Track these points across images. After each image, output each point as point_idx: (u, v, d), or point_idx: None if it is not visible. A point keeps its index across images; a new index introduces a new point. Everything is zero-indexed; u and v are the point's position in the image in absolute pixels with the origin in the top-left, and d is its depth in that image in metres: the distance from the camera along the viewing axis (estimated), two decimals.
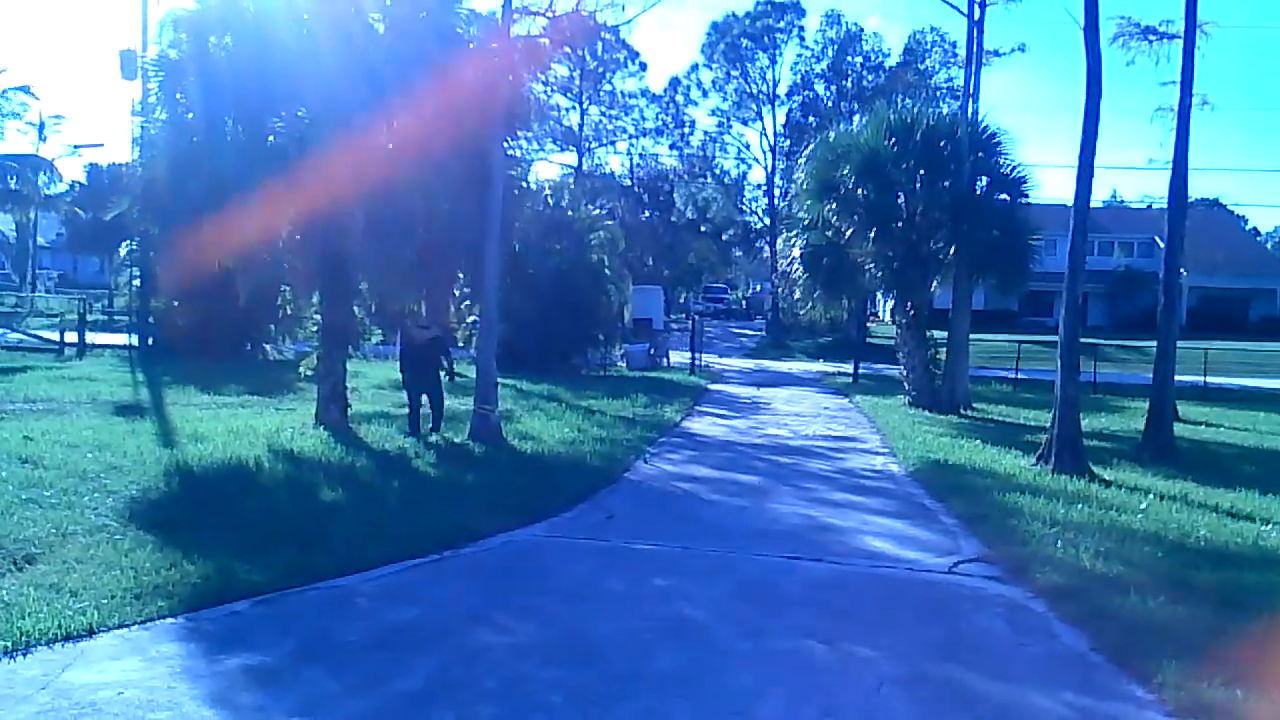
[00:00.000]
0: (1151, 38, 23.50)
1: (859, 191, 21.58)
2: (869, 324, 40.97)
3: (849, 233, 21.79)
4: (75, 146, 46.33)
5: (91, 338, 27.66)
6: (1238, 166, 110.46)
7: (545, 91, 49.07)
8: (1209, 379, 28.01)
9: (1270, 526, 10.04)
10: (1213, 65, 37.66)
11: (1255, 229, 75.77)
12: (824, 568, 8.34)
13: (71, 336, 27.15)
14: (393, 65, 13.51)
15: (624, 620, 6.72)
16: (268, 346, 26.37)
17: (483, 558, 8.36)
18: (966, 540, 9.50)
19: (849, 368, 31.54)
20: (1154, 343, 16.94)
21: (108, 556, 7.30)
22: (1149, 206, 58.42)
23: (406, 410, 14.51)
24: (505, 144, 15.23)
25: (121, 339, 27.82)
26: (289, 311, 16.96)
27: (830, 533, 9.70)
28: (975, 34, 24.17)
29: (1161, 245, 17.47)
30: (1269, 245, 75.90)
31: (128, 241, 29.15)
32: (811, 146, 24.36)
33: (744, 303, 76.11)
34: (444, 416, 14.56)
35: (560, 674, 5.70)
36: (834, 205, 22.03)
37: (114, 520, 8.38)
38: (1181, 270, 17.89)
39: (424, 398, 14.38)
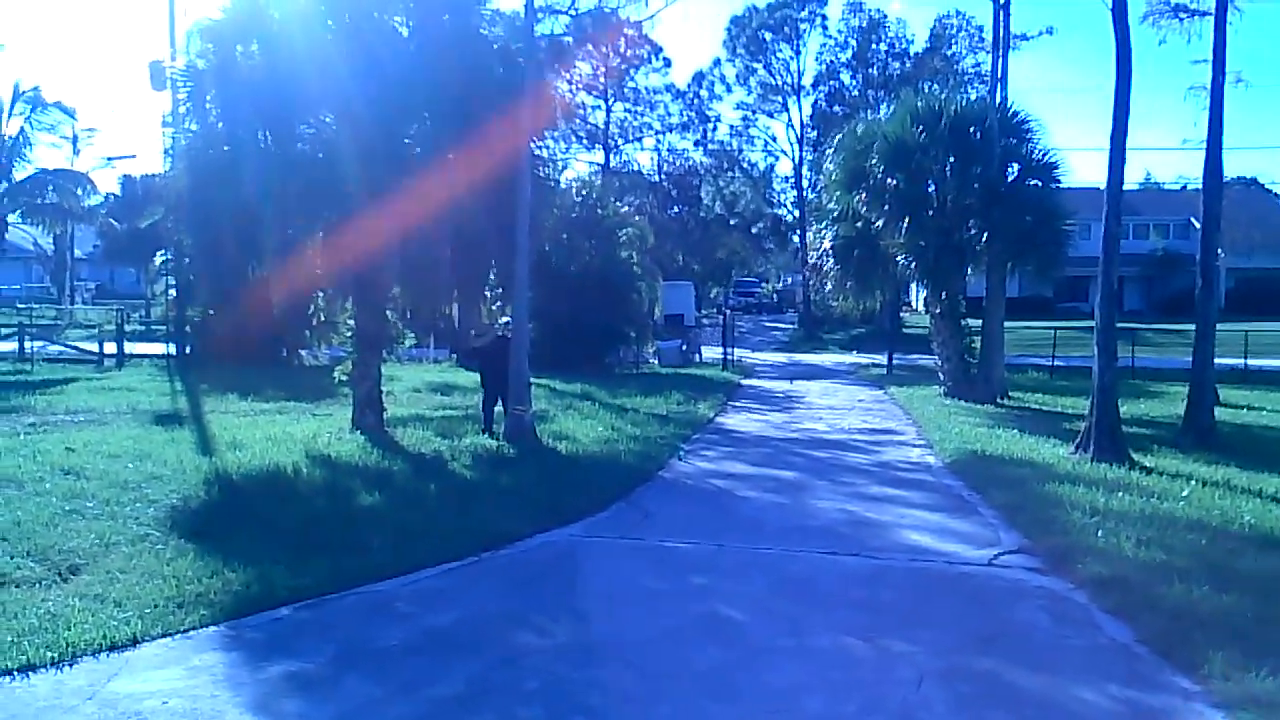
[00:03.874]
0: (1182, 15, 23.10)
1: (888, 181, 21.39)
2: (902, 314, 40.62)
3: (879, 223, 21.61)
4: (109, 158, 47.26)
5: (130, 348, 28.03)
6: (1274, 144, 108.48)
7: (570, 90, 49.19)
8: (1250, 361, 27.54)
9: None
10: (1247, 41, 36.95)
11: None
12: (862, 563, 8.30)
13: (110, 347, 27.53)
14: (418, 69, 13.57)
15: (662, 619, 6.72)
16: (303, 352, 26.61)
17: (520, 559, 8.38)
18: (1006, 532, 9.41)
19: (883, 359, 31.38)
20: (1193, 326, 16.69)
21: (150, 566, 7.40)
22: (1184, 188, 57.38)
23: (452, 413, 14.64)
24: (533, 144, 15.26)
25: (159, 349, 28.17)
26: (322, 318, 17.04)
27: (868, 527, 9.65)
28: (1002, 18, 23.93)
29: (1198, 226, 17.18)
30: None
31: (162, 251, 29.52)
32: (839, 137, 24.20)
33: (775, 296, 75.79)
34: (471, 418, 14.75)
35: (599, 674, 5.71)
36: (863, 196, 21.86)
37: (156, 529, 8.49)
38: (1219, 251, 17.62)
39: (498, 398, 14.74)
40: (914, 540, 9.14)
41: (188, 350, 27.03)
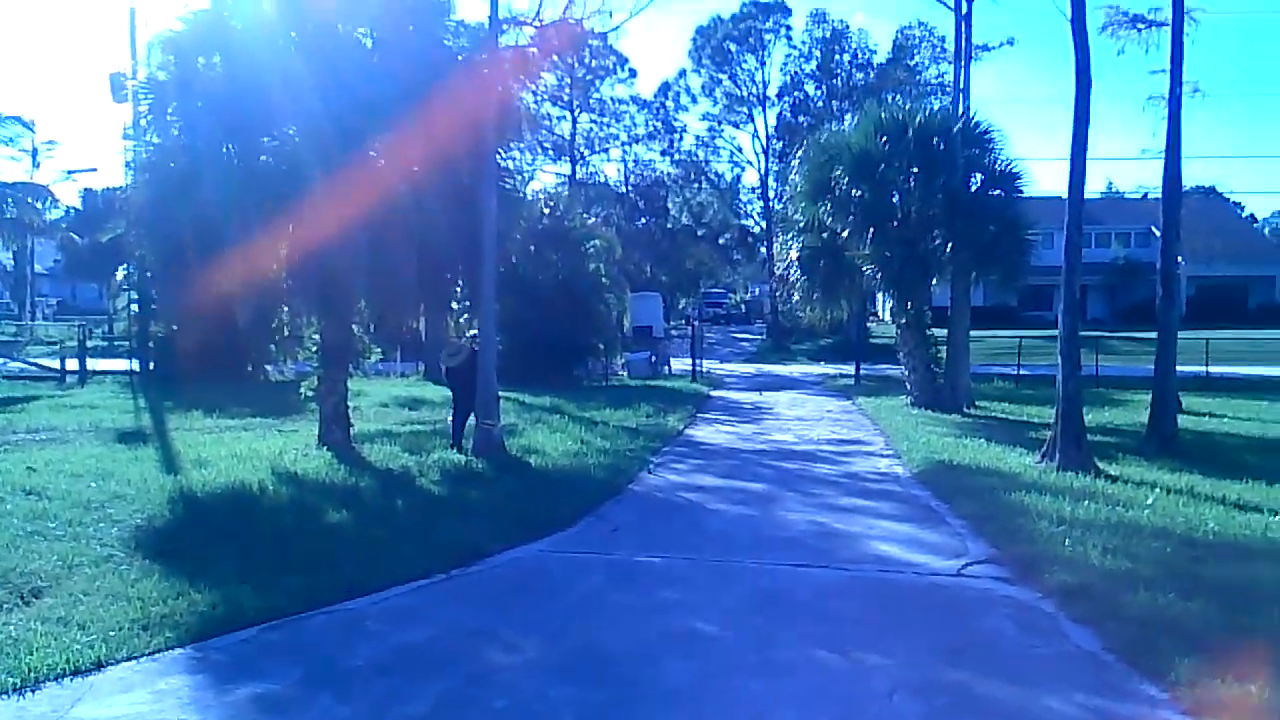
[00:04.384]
0: (1140, 26, 23.49)
1: (853, 192, 21.55)
2: (869, 324, 40.92)
3: (845, 234, 21.77)
4: (69, 172, 46.66)
5: (92, 364, 27.68)
6: (1232, 153, 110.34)
7: (535, 101, 49.17)
8: (1211, 368, 27.97)
9: (1279, 517, 10.01)
10: (1204, 52, 37.65)
11: (1252, 215, 75.68)
12: (832, 574, 8.33)
13: (72, 364, 27.18)
14: (383, 80, 13.50)
15: (633, 634, 6.70)
16: (268, 368, 26.37)
17: (489, 576, 8.33)
18: (974, 541, 9.47)
19: (850, 369, 31.57)
20: (1154, 334, 16.92)
21: (114, 587, 7.29)
22: (1144, 196, 58.30)
23: (420, 428, 14.57)
24: (498, 155, 15.23)
25: (122, 365, 27.81)
26: (288, 332, 16.91)
27: (838, 538, 9.68)
28: (964, 30, 24.23)
29: (1159, 235, 17.45)
30: (1266, 232, 75.74)
31: (124, 266, 29.17)
32: (804, 148, 24.39)
33: (743, 307, 76.08)
34: (439, 433, 14.69)
35: (571, 691, 5.68)
36: (829, 207, 22.00)
37: (120, 550, 8.37)
38: (1179, 259, 17.88)
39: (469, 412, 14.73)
40: (883, 551, 9.18)
41: (151, 366, 26.74)
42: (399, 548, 8.75)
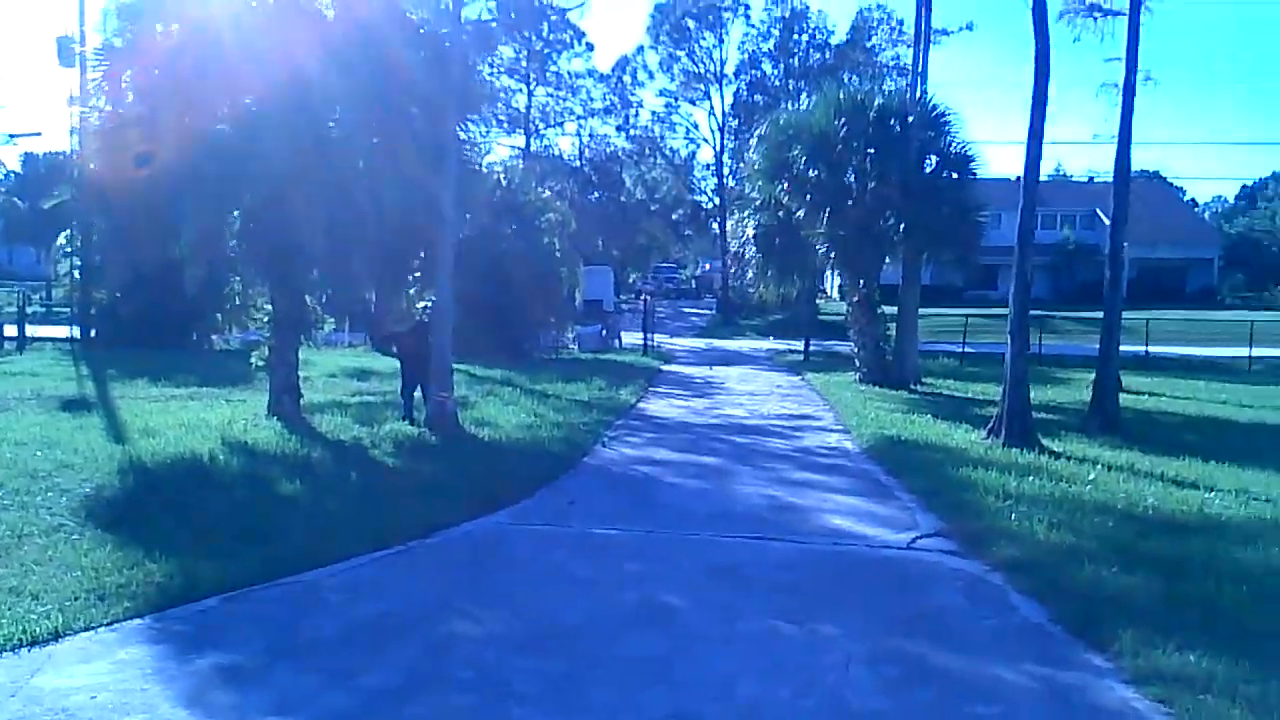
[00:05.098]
0: (1096, 14, 23.86)
1: (810, 172, 21.73)
2: (817, 301, 41.25)
3: (801, 213, 21.91)
4: (11, 135, 45.04)
5: (31, 330, 27.07)
6: (1173, 140, 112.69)
7: (492, 74, 48.72)
8: (1150, 348, 28.65)
9: (1214, 494, 10.37)
10: (1150, 40, 38.23)
11: (1193, 200, 77.35)
12: (788, 547, 8.46)
13: (11, 330, 26.59)
14: (343, 51, 13.32)
15: (594, 607, 6.78)
16: (214, 337, 26.03)
17: (447, 548, 8.36)
18: (923, 515, 9.67)
19: (799, 345, 31.84)
20: (1098, 314, 17.31)
21: (67, 557, 7.21)
22: (1091, 180, 59.36)
23: (371, 399, 14.48)
24: (460, 128, 15.11)
25: (63, 331, 27.28)
26: (239, 301, 16.70)
27: (792, 512, 9.83)
28: (924, 14, 24.40)
29: (1104, 218, 17.85)
30: (1205, 216, 77.43)
31: (66, 232, 28.52)
32: (763, 127, 24.40)
33: (693, 282, 76.23)
34: (390, 405, 14.66)
35: (534, 662, 5.73)
36: (786, 186, 22.14)
37: (70, 520, 8.27)
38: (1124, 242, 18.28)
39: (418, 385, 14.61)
40: (836, 524, 9.35)
41: (93, 333, 26.24)
42: (355, 519, 8.73)
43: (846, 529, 9.16)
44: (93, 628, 5.97)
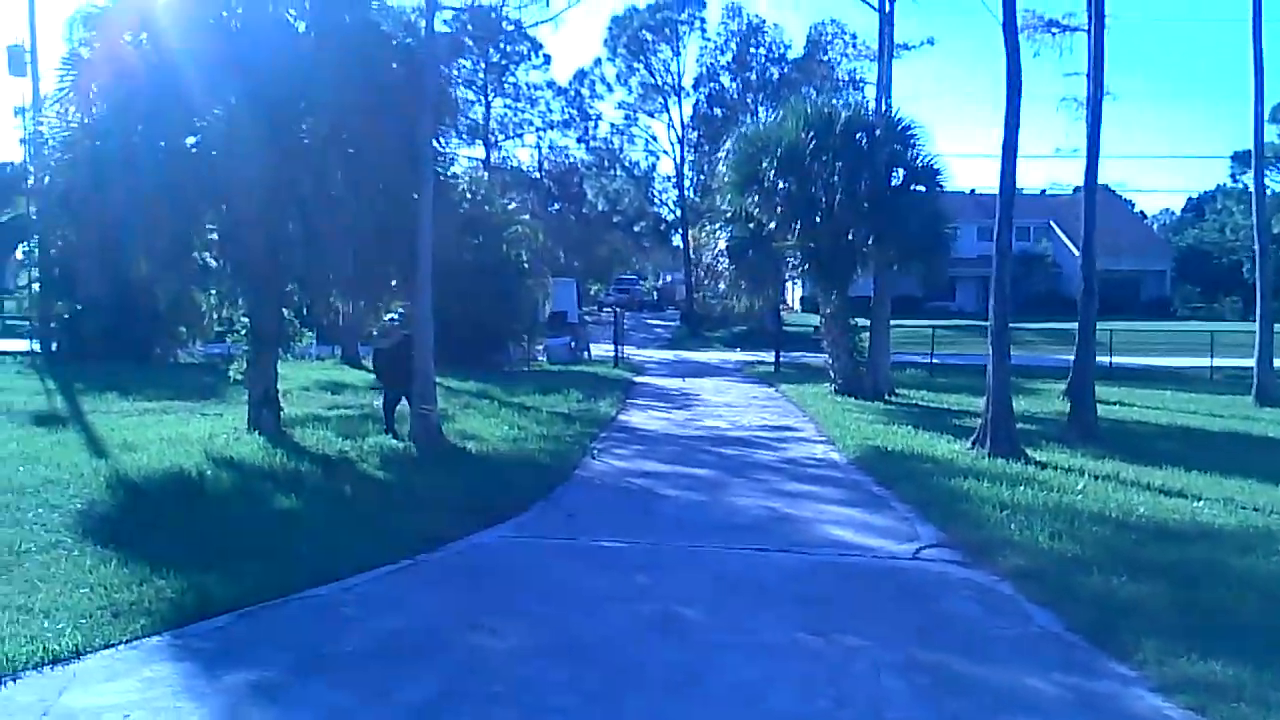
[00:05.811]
0: (1054, 30, 24.42)
1: (780, 185, 21.83)
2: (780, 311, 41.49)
3: (772, 225, 22.02)
4: None
5: None
6: (1124, 154, 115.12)
7: (450, 85, 48.43)
8: (1113, 359, 29.11)
9: (1203, 503, 10.55)
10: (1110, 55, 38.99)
11: (1142, 213, 78.84)
12: (795, 559, 8.49)
13: None
14: (315, 63, 13.24)
15: (614, 619, 6.74)
16: (179, 350, 25.62)
17: (454, 562, 8.29)
18: (922, 526, 9.75)
19: (767, 356, 31.97)
20: (1053, 324, 17.64)
21: (71, 574, 7.05)
22: (1043, 193, 60.39)
23: (349, 412, 14.32)
24: (435, 141, 15.04)
25: (21, 345, 26.68)
26: (215, 315, 16.47)
27: (791, 523, 9.86)
28: (886, 29, 24.68)
29: (1057, 229, 18.21)
30: (1155, 228, 79.00)
31: (23, 244, 27.90)
32: (731, 140, 24.53)
33: (655, 293, 76.43)
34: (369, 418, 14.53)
35: (562, 675, 5.68)
36: (756, 198, 22.21)
37: (67, 536, 8.11)
38: (1076, 254, 18.65)
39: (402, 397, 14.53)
40: (837, 535, 9.39)
41: (54, 347, 25.70)
42: (357, 534, 8.64)
43: (849, 540, 9.21)
44: (113, 645, 5.83)
